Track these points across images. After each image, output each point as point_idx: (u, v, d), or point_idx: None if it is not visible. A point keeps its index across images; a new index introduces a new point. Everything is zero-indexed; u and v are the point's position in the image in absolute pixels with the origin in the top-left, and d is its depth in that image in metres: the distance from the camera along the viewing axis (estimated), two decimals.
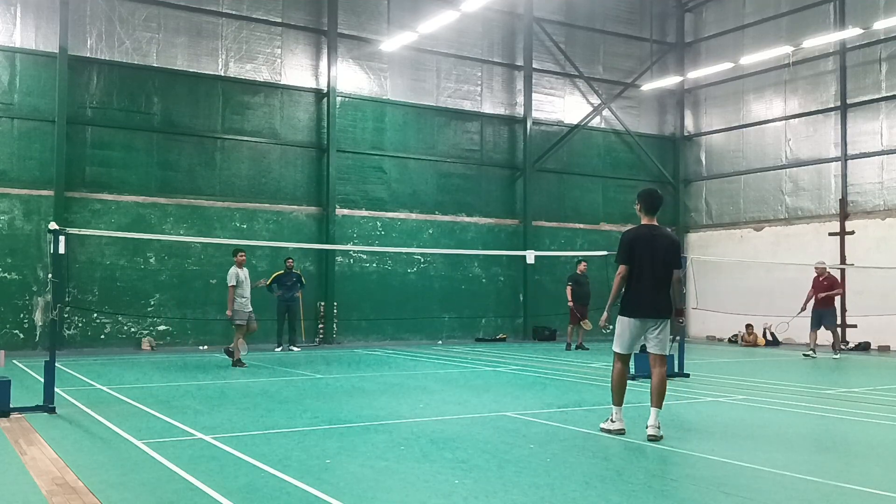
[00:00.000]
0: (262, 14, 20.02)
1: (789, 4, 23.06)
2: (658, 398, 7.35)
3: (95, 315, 17.72)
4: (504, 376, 13.04)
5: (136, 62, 18.54)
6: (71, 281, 17.41)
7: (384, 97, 21.51)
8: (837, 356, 17.26)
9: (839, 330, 20.21)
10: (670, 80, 24.87)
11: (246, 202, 19.60)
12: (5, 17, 17.36)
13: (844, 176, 21.61)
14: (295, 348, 18.20)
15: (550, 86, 24.27)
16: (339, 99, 20.70)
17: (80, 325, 17.66)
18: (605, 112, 25.02)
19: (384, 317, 20.92)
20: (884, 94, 20.94)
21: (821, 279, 17.64)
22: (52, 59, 17.54)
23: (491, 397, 10.27)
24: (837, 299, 18.70)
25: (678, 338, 7.43)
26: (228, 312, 13.99)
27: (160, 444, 6.93)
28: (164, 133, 18.85)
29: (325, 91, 20.63)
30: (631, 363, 8.02)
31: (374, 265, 21.12)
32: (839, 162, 21.77)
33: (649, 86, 24.84)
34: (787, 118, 23.24)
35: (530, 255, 19.67)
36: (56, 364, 8.90)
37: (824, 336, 18.14)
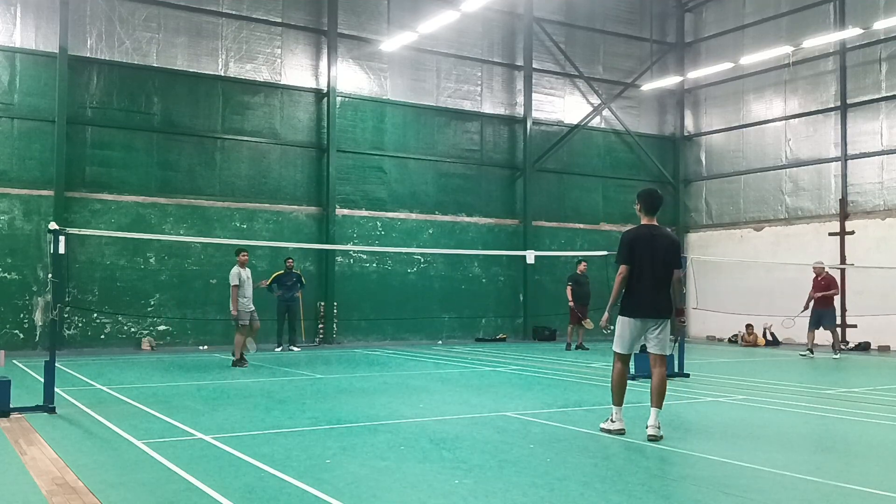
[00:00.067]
0: (262, 14, 20.02)
1: (789, 4, 23.06)
2: (658, 398, 7.35)
3: (95, 315, 17.72)
4: (504, 376, 13.04)
5: (136, 62, 18.54)
6: (71, 281, 17.41)
7: (384, 97, 21.52)
8: (837, 356, 17.25)
9: (839, 330, 20.24)
10: (670, 80, 24.87)
11: (246, 202, 19.60)
12: (5, 17, 17.36)
13: (844, 176, 21.61)
14: (295, 348, 18.20)
15: (550, 86, 24.27)
16: (339, 99, 20.71)
17: (80, 325, 17.67)
18: (605, 112, 25.02)
19: (384, 317, 20.92)
20: (884, 94, 20.94)
21: (819, 279, 17.63)
22: (52, 59, 17.54)
23: (491, 397, 10.27)
24: (837, 299, 18.71)
25: (678, 338, 7.43)
26: (234, 312, 13.98)
27: (160, 444, 6.93)
28: (164, 133, 18.85)
29: (325, 91, 20.63)
30: (631, 363, 8.02)
31: (374, 265, 21.12)
32: (839, 162, 21.77)
33: (649, 86, 24.84)
34: (787, 118, 23.24)
35: (530, 255, 19.67)
36: (56, 364, 8.90)
37: (824, 336, 18.15)
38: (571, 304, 19.07)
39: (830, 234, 21.72)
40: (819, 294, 17.43)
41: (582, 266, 19.56)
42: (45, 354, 9.37)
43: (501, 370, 14.04)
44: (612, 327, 7.87)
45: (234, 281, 14.02)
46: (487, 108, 23.13)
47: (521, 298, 23.12)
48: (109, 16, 18.33)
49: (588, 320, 18.77)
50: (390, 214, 21.39)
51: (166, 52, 18.88)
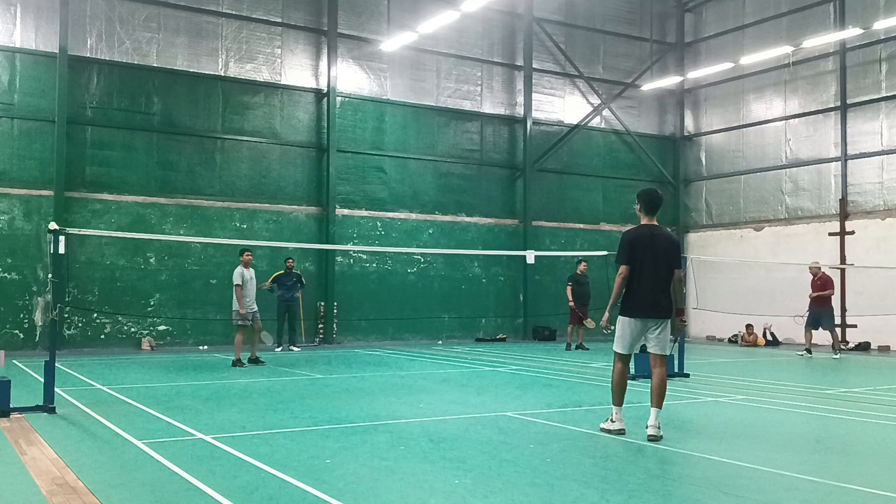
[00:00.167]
0: (262, 14, 20.02)
1: (789, 4, 23.06)
2: (658, 398, 7.35)
3: (95, 315, 17.72)
4: (504, 376, 13.04)
5: (136, 62, 18.54)
6: (71, 281, 17.41)
7: (384, 97, 21.52)
8: (837, 356, 17.24)
9: (838, 330, 20.24)
10: (670, 80, 24.87)
11: (246, 202, 19.60)
12: (5, 17, 17.36)
13: (844, 176, 21.61)
14: (295, 348, 18.20)
15: (550, 86, 24.27)
16: (339, 99, 20.71)
17: (80, 325, 17.67)
18: (605, 112, 25.02)
19: (384, 317, 20.92)
20: (884, 94, 20.94)
21: (815, 280, 17.64)
22: (52, 59, 17.54)
23: (491, 397, 10.27)
24: (838, 299, 18.70)
25: (677, 338, 7.43)
26: (242, 311, 14.00)
27: (160, 444, 6.93)
28: (164, 133, 18.85)
29: (325, 91, 20.63)
30: (631, 363, 8.02)
31: (374, 265, 21.12)
32: (839, 162, 21.77)
33: (649, 86, 24.84)
34: (787, 118, 23.24)
35: (530, 255, 19.67)
36: (56, 364, 8.90)
37: (824, 336, 18.15)
38: (571, 304, 19.07)
39: (830, 234, 21.72)
40: (815, 294, 17.44)
41: (582, 266, 19.56)
42: (45, 354, 9.38)
43: (501, 370, 14.03)
44: (612, 327, 7.87)
45: (236, 280, 14.05)
46: (487, 108, 23.13)
47: (521, 298, 23.12)
48: (109, 16, 18.33)
49: (589, 320, 18.76)
50: (390, 214, 21.39)
51: (166, 52, 18.88)
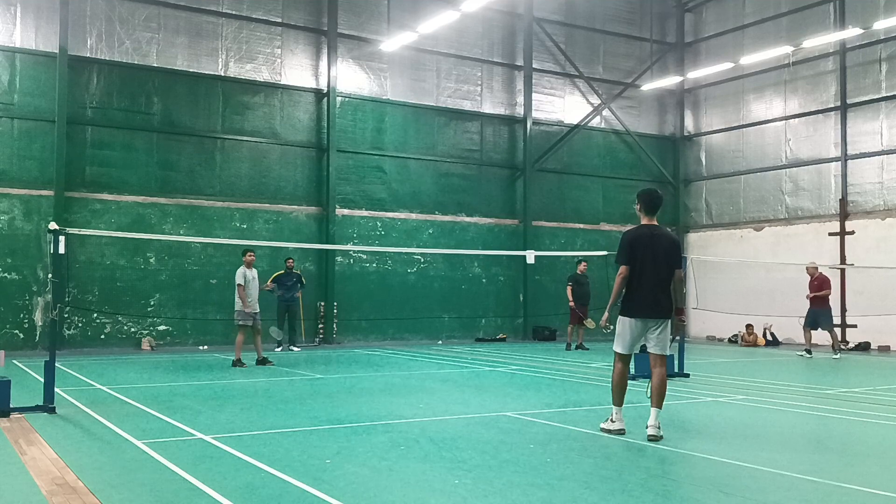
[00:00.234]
0: (262, 14, 20.02)
1: (789, 4, 23.06)
2: (658, 398, 7.35)
3: (95, 315, 17.72)
4: (504, 376, 13.04)
5: (136, 62, 18.54)
6: (71, 281, 17.41)
7: (384, 97, 21.52)
8: (837, 356, 17.23)
9: (838, 329, 20.24)
10: (670, 80, 24.87)
11: (246, 202, 19.60)
12: (5, 17, 17.36)
13: (844, 176, 21.61)
14: (295, 348, 18.20)
15: (550, 86, 24.27)
16: (339, 99, 20.71)
17: (80, 325, 17.66)
18: (605, 112, 25.02)
19: (384, 317, 20.92)
20: (884, 94, 20.94)
21: (812, 280, 17.65)
22: (52, 59, 17.54)
23: (491, 397, 10.27)
24: (837, 298, 18.69)
25: (674, 337, 7.44)
26: (247, 309, 14.01)
27: (160, 444, 6.93)
28: (164, 133, 18.85)
29: (325, 91, 20.63)
30: (631, 363, 8.01)
31: (374, 265, 21.12)
32: (839, 162, 21.77)
33: (649, 86, 24.84)
34: (787, 118, 23.24)
35: (530, 255, 19.67)
36: (56, 364, 8.90)
37: (823, 336, 18.15)
38: (571, 304, 19.07)
39: (830, 234, 21.72)
40: (812, 295, 17.44)
41: (582, 266, 19.56)
42: (45, 354, 9.37)
43: (501, 370, 14.03)
44: (611, 327, 7.88)
45: (239, 280, 14.08)
46: (487, 108, 23.13)
47: (521, 298, 23.12)
48: (109, 16, 18.33)
49: (589, 320, 18.76)
50: (390, 214, 21.39)
51: (166, 52, 18.88)
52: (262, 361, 14.33)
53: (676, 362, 12.64)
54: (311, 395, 10.40)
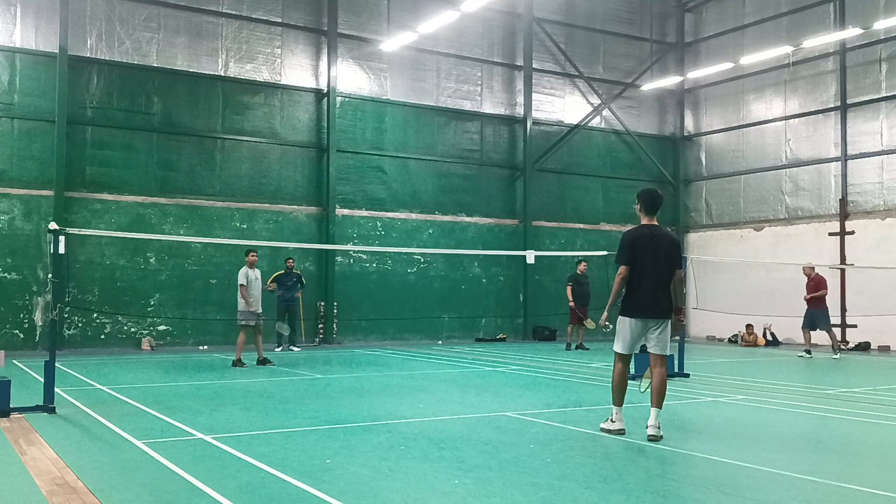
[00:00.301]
0: (262, 14, 20.02)
1: (789, 4, 23.06)
2: (658, 398, 7.35)
3: (95, 315, 17.72)
4: (504, 376, 13.04)
5: (136, 62, 18.54)
6: (71, 281, 17.41)
7: (384, 97, 21.52)
8: (837, 356, 17.23)
9: (838, 330, 20.26)
10: (670, 80, 24.87)
11: (246, 202, 19.60)
12: (5, 17, 17.36)
13: (844, 176, 21.61)
14: (295, 348, 18.21)
15: (550, 86, 24.27)
16: (339, 99, 20.71)
17: (80, 325, 17.67)
18: (605, 112, 25.02)
19: (384, 317, 20.92)
20: (884, 94, 20.94)
21: (809, 281, 17.64)
22: (52, 59, 17.54)
23: (491, 397, 10.27)
24: (837, 298, 18.67)
25: (677, 337, 7.44)
26: (250, 309, 14.03)
27: (160, 444, 6.93)
28: (164, 133, 18.85)
29: (325, 91, 20.63)
30: (631, 363, 8.01)
31: (374, 265, 21.12)
32: (839, 162, 21.77)
33: (649, 86, 24.84)
34: (787, 118, 23.24)
35: (530, 255, 19.67)
36: (56, 364, 8.90)
37: (823, 336, 18.14)
38: (571, 304, 19.07)
39: (830, 234, 21.72)
40: (809, 297, 17.43)
41: (582, 266, 19.56)
42: (45, 354, 9.37)
43: (501, 370, 14.03)
44: (610, 326, 7.88)
45: (241, 280, 14.10)
46: (487, 108, 23.13)
47: (521, 298, 23.12)
48: (109, 16, 18.33)
49: (589, 320, 18.76)
50: (390, 214, 21.39)
51: (166, 52, 18.88)
52: (262, 362, 14.33)
53: (676, 362, 12.64)
54: (311, 395, 10.40)
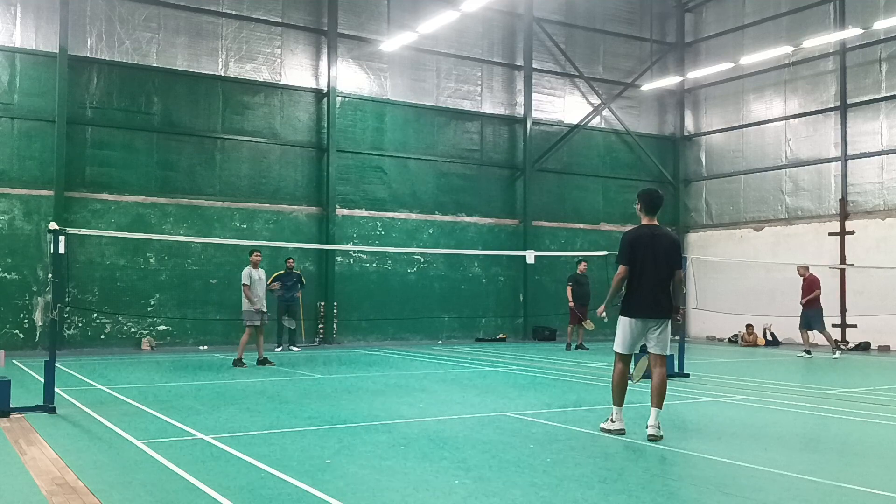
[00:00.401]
0: (262, 14, 20.02)
1: (789, 4, 23.06)
2: (658, 398, 7.35)
3: (95, 315, 17.72)
4: (504, 376, 13.04)
5: (136, 62, 18.54)
6: (71, 281, 17.41)
7: (384, 97, 21.52)
8: (836, 356, 17.23)
9: (838, 329, 20.27)
10: (670, 80, 24.87)
11: (246, 202, 19.60)
12: (5, 17, 17.36)
13: (844, 176, 21.61)
14: (295, 348, 18.21)
15: (550, 86, 24.27)
16: (339, 99, 20.71)
17: (80, 325, 17.66)
18: (605, 112, 25.02)
19: (384, 317, 20.92)
20: (884, 94, 20.93)
21: (803, 282, 17.64)
22: (52, 59, 17.54)
23: (491, 397, 10.27)
24: (838, 298, 18.64)
25: (677, 337, 7.43)
26: (255, 307, 14.03)
27: (160, 444, 6.93)
28: (164, 133, 18.85)
29: (325, 91, 20.63)
30: (631, 363, 8.01)
31: (374, 265, 21.12)
32: (839, 162, 21.77)
33: (649, 86, 24.84)
34: (787, 118, 23.23)
35: (530, 255, 19.67)
36: (56, 364, 8.91)
37: (822, 336, 18.12)
38: (571, 304, 19.07)
39: (830, 234, 21.72)
40: (805, 300, 17.43)
41: (582, 266, 19.56)
42: (45, 354, 9.38)
43: (501, 370, 14.04)
44: (606, 318, 7.94)
45: (245, 280, 14.13)
46: (487, 108, 23.13)
47: (521, 298, 23.12)
48: (109, 16, 18.33)
49: (588, 321, 18.78)
50: (390, 214, 21.39)
51: (166, 52, 18.88)
52: (262, 362, 14.33)
53: (676, 362, 12.64)
54: (312, 395, 10.40)
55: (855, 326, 20.67)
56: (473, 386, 11.58)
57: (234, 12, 19.64)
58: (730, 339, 23.13)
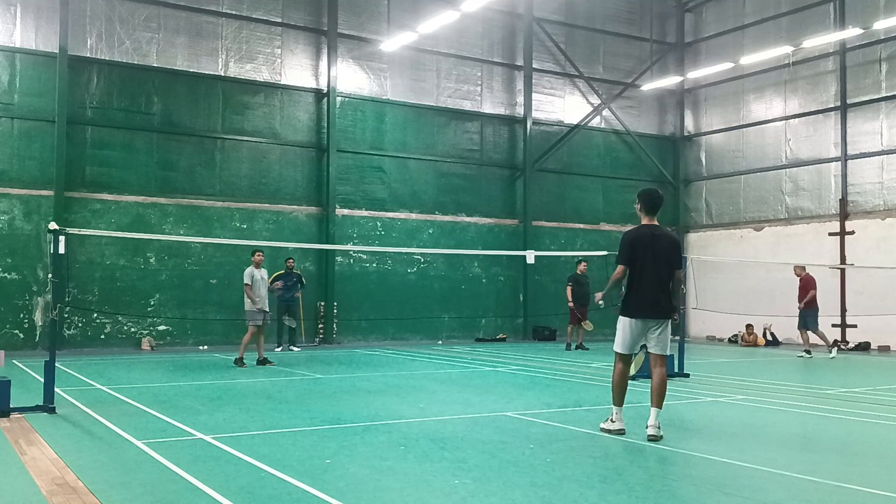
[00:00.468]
0: (262, 14, 20.02)
1: (789, 4, 23.06)
2: (658, 398, 7.35)
3: (95, 315, 17.72)
4: (504, 376, 13.04)
5: (136, 62, 18.54)
6: (71, 281, 17.41)
7: (384, 97, 21.52)
8: (832, 355, 17.23)
9: (838, 330, 20.26)
10: (670, 80, 24.87)
11: (246, 202, 19.60)
12: (5, 17, 17.36)
13: (844, 176, 21.61)
14: (295, 348, 18.21)
15: (550, 86, 24.27)
16: (339, 99, 20.71)
17: (80, 325, 17.66)
18: (605, 112, 25.02)
19: (384, 317, 20.92)
20: (884, 94, 20.94)
21: (800, 283, 17.64)
22: (52, 59, 17.54)
23: (491, 397, 10.27)
24: (838, 298, 18.62)
25: (677, 337, 7.44)
26: (258, 307, 14.05)
27: (160, 444, 6.93)
28: (164, 133, 18.85)
29: (325, 91, 20.63)
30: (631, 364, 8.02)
31: (374, 265, 21.12)
32: (839, 162, 21.77)
33: (649, 86, 24.84)
34: (787, 118, 23.24)
35: (530, 255, 19.67)
36: (56, 364, 8.90)
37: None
38: (571, 304, 19.07)
39: (830, 234, 21.72)
40: (804, 303, 17.44)
41: (582, 266, 19.55)
42: (45, 354, 9.38)
43: (501, 370, 14.04)
44: (602, 303, 7.98)
45: (246, 280, 14.17)
46: (487, 108, 23.13)
47: (521, 298, 23.12)
48: (109, 16, 18.33)
49: (588, 322, 18.78)
50: (390, 214, 21.39)
51: (166, 52, 18.88)
52: (262, 362, 14.33)
53: (676, 362, 12.64)
54: (311, 395, 10.40)
55: (855, 326, 20.68)
56: (473, 386, 11.58)
57: (234, 12, 19.64)
58: (730, 339, 23.13)
